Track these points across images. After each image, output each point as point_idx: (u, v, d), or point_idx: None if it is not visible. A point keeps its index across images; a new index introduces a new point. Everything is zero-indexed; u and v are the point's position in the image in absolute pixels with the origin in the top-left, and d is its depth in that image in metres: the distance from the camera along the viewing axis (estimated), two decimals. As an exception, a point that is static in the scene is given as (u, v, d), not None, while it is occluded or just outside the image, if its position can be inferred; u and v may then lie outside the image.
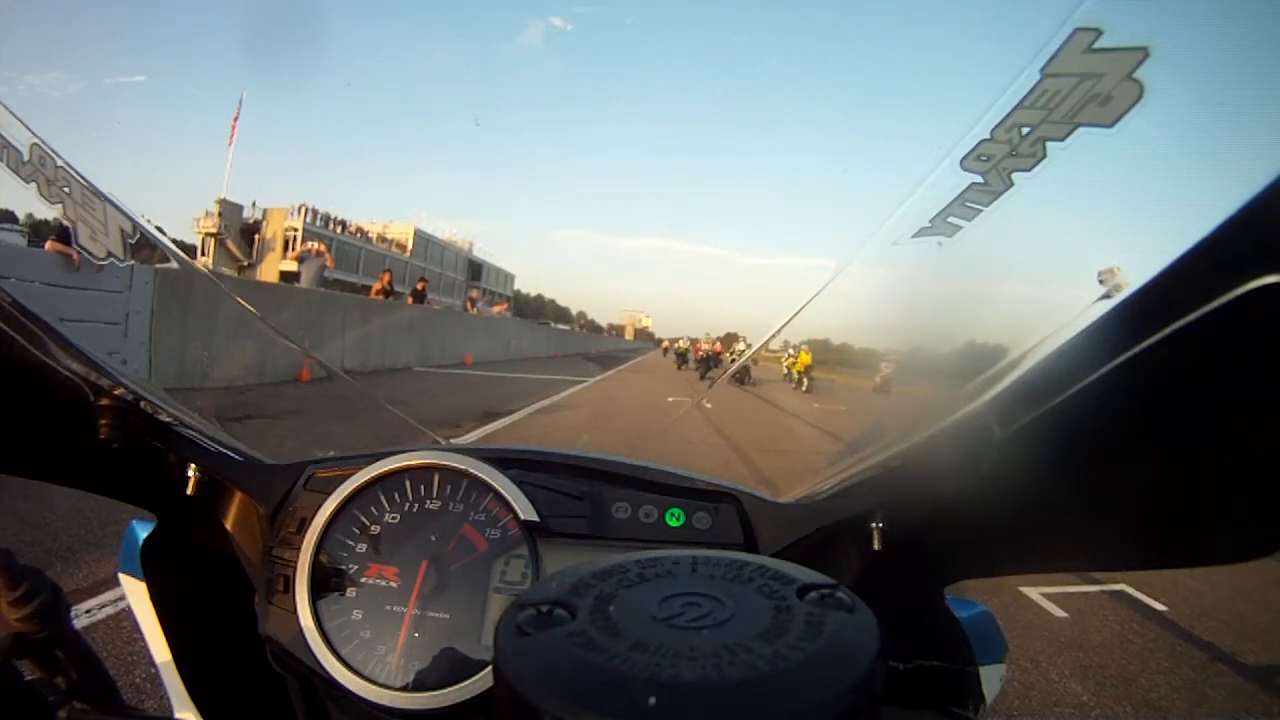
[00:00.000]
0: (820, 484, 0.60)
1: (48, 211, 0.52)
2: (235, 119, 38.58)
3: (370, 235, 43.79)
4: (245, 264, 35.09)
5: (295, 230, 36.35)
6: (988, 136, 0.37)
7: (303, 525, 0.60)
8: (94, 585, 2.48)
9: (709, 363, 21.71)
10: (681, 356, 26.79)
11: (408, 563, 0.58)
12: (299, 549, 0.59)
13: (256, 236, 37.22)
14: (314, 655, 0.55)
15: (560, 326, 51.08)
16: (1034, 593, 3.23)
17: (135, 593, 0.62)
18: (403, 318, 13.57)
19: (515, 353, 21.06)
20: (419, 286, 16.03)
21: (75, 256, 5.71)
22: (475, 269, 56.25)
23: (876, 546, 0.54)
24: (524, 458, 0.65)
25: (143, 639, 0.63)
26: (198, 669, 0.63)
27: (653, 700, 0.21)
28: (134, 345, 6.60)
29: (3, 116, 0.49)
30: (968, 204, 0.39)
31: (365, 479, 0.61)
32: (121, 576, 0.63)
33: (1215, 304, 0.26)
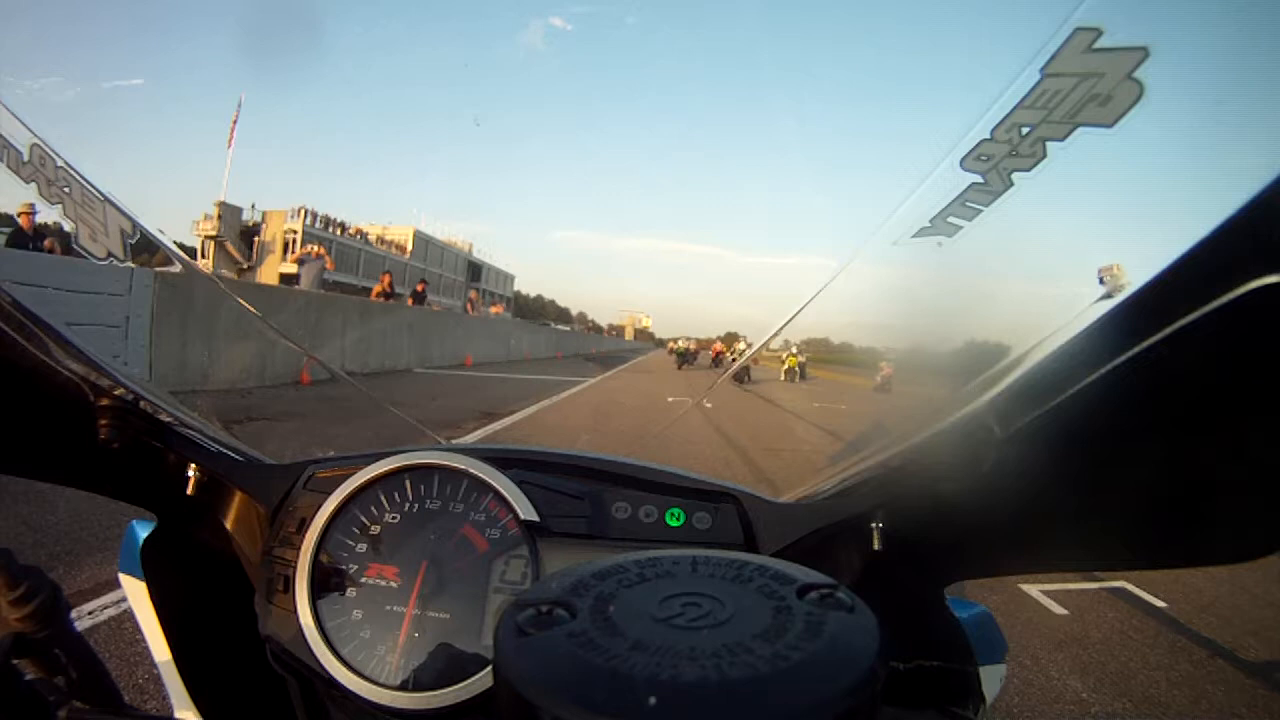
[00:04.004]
0: (820, 484, 0.60)
1: (47, 214, 0.52)
2: (234, 121, 38.58)
3: (370, 237, 43.74)
4: (245, 267, 35.04)
5: (295, 233, 36.31)
6: (988, 136, 0.37)
7: (303, 525, 0.60)
8: (96, 587, 2.48)
9: (713, 359, 27.32)
10: (682, 356, 26.86)
11: (408, 563, 0.58)
12: (299, 549, 0.59)
13: (256, 239, 37.16)
14: (314, 655, 0.55)
15: (560, 327, 51.05)
16: (1034, 590, 3.23)
17: (135, 592, 0.62)
18: (402, 319, 13.57)
19: (515, 353, 21.08)
20: (419, 288, 16.03)
21: (51, 246, 5.80)
22: (475, 270, 56.21)
23: (876, 546, 0.54)
24: (524, 458, 0.65)
25: (144, 639, 0.63)
26: (198, 669, 0.63)
27: (652, 700, 0.21)
28: (134, 348, 6.60)
29: (3, 117, 0.49)
30: (968, 204, 0.39)
31: (365, 479, 0.61)
32: (121, 576, 0.63)
33: (1215, 304, 0.26)
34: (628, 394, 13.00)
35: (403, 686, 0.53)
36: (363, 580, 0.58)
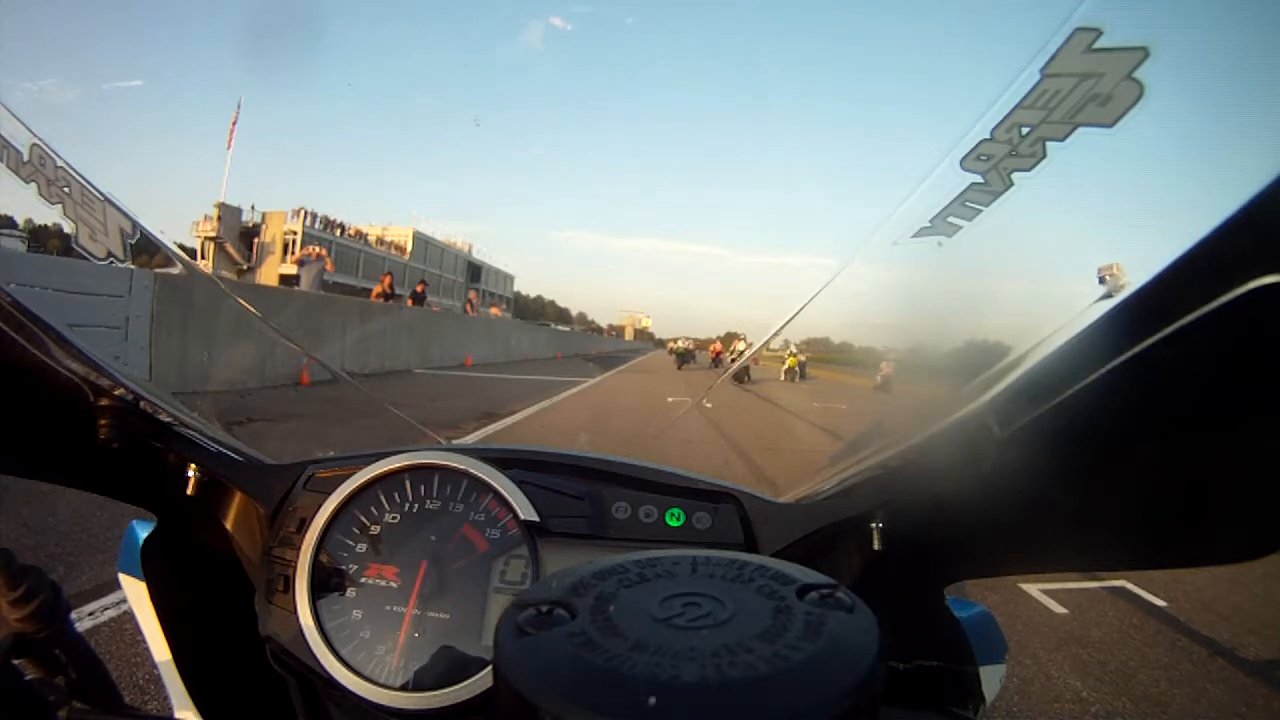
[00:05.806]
0: (820, 484, 0.60)
1: (48, 216, 0.52)
2: (234, 123, 38.53)
3: (369, 238, 43.70)
4: (245, 268, 34.99)
5: (294, 234, 36.26)
6: (988, 136, 0.37)
7: (303, 525, 0.60)
8: (97, 589, 2.48)
9: (712, 359, 27.87)
10: (681, 356, 26.91)
11: (408, 563, 0.58)
12: (299, 549, 0.59)
13: (255, 240, 37.12)
14: (314, 655, 0.55)
15: (560, 328, 51.08)
16: (1033, 589, 3.23)
17: (135, 593, 0.62)
18: (402, 320, 13.57)
19: (516, 354, 21.09)
20: (418, 289, 16.03)
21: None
22: (475, 271, 56.20)
23: (876, 546, 0.54)
24: (524, 458, 0.65)
25: (144, 640, 0.63)
26: (198, 669, 0.63)
27: (652, 700, 0.21)
28: (134, 350, 6.60)
29: (3, 117, 0.49)
30: (968, 204, 0.39)
31: (365, 479, 0.61)
32: (121, 576, 0.63)
33: (1215, 304, 0.26)
34: (627, 394, 12.99)
35: (403, 687, 0.53)
36: (363, 580, 0.58)
